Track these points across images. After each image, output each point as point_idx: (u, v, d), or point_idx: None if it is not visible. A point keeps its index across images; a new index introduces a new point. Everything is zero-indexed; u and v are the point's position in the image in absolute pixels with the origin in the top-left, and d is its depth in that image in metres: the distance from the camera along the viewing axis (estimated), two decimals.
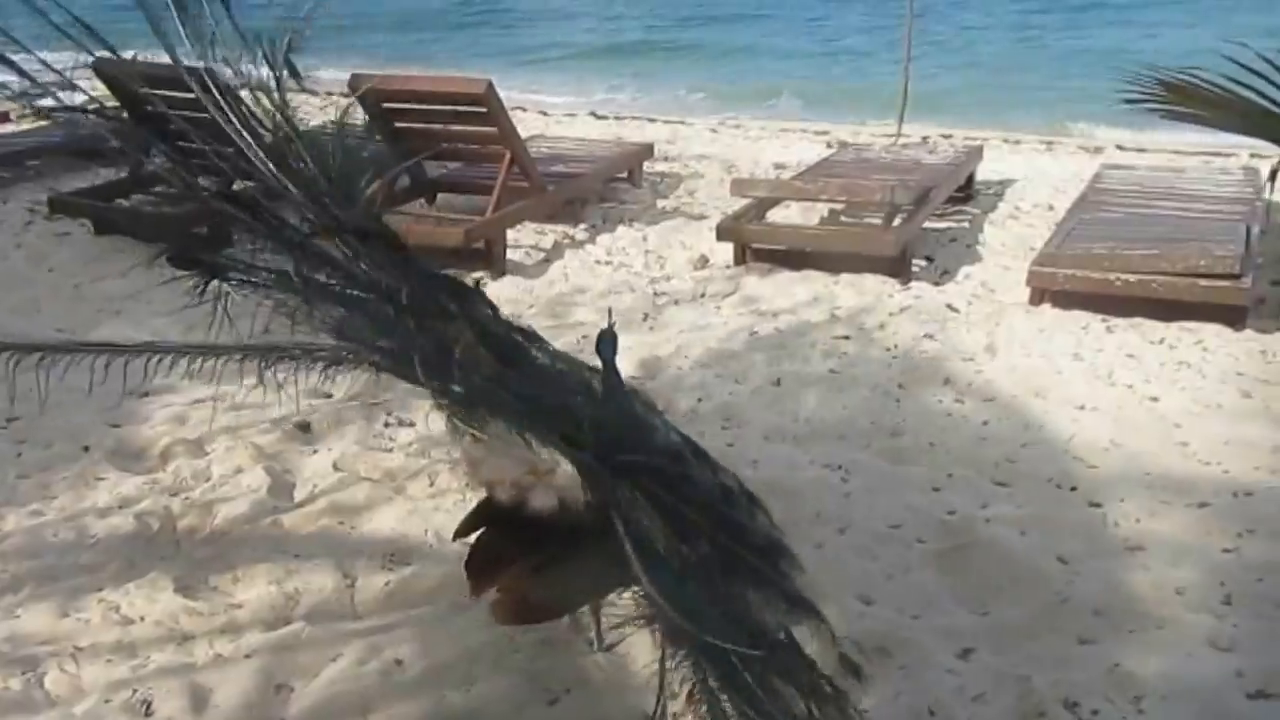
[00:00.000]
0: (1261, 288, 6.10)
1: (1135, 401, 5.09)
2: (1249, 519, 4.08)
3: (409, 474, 4.37)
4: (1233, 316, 5.76)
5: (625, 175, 8.59)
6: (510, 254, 7.08)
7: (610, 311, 3.65)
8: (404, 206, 7.50)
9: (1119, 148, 10.73)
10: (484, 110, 6.76)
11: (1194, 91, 3.07)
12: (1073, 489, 4.29)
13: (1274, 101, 3.02)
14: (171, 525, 3.99)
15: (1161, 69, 3.10)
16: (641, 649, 3.17)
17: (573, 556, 2.55)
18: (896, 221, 6.64)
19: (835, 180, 7.15)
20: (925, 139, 10.67)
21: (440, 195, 7.90)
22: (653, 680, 2.98)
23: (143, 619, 3.46)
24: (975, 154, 8.41)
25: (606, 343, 3.27)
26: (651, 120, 12.66)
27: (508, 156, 6.91)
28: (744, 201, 7.21)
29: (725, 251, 6.95)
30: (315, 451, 4.58)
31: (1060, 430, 4.77)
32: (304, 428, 4.78)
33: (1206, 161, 9.30)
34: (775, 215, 7.48)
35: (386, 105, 7.03)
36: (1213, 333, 5.74)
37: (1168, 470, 4.45)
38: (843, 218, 7.64)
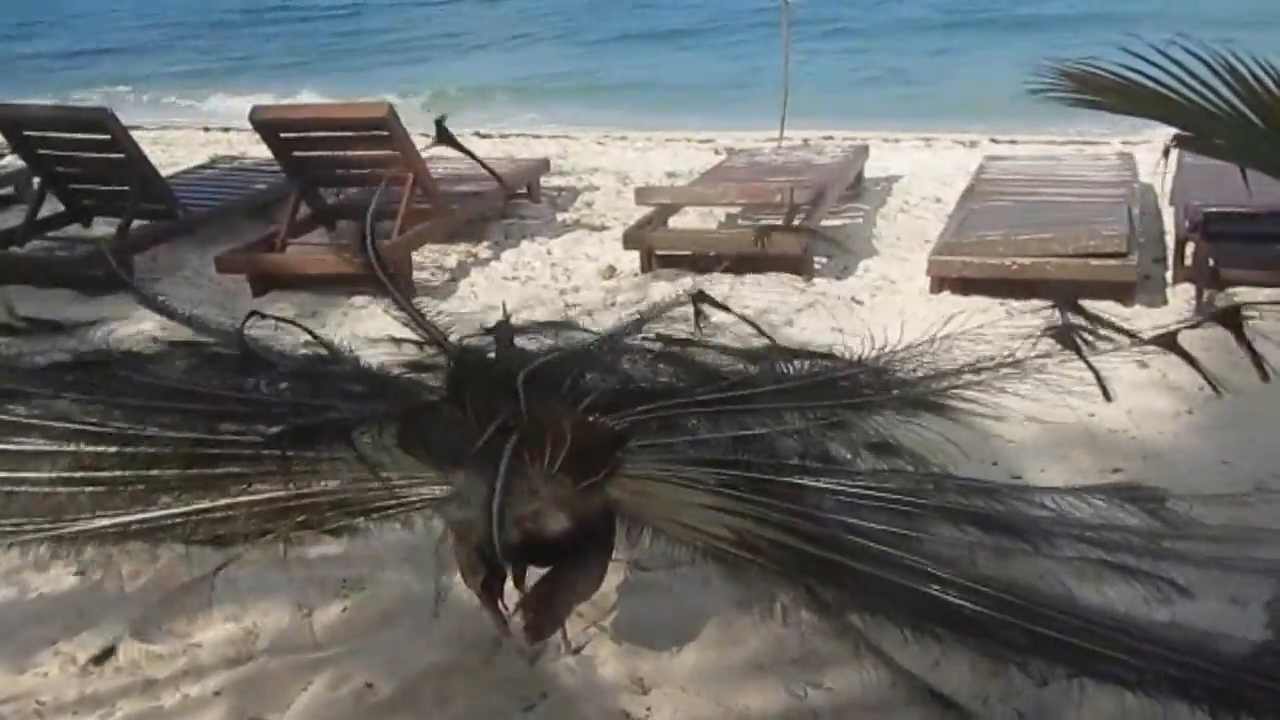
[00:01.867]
0: (1145, 265, 6.44)
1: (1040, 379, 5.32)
2: (1159, 482, 4.30)
3: None
4: (1122, 293, 6.07)
5: (524, 191, 8.63)
6: (416, 274, 7.07)
7: (503, 305, 3.75)
8: (305, 236, 7.44)
9: (993, 140, 11.17)
10: (385, 134, 6.75)
11: (1094, 80, 3.26)
12: (994, 464, 4.48)
13: (1165, 86, 3.24)
14: (116, 571, 3.92)
15: (1065, 61, 3.29)
16: (607, 649, 3.25)
17: (573, 563, 2.59)
18: (797, 221, 6.82)
19: (735, 184, 7.32)
20: (806, 141, 10.93)
21: (340, 222, 7.84)
22: (624, 680, 3.10)
23: (103, 668, 3.40)
24: (862, 152, 8.68)
25: (502, 333, 3.37)
26: (537, 136, 12.72)
27: (410, 178, 6.90)
28: (645, 210, 7.32)
29: (631, 260, 7.05)
30: None
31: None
32: None
33: (1079, 149, 9.74)
34: (675, 222, 7.61)
35: (285, 135, 6.97)
36: (1105, 309, 6.01)
37: (1078, 440, 4.69)
38: (740, 220, 7.81)
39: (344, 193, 7.87)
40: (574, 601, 2.85)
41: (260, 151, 11.01)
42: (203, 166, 9.77)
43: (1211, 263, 6.09)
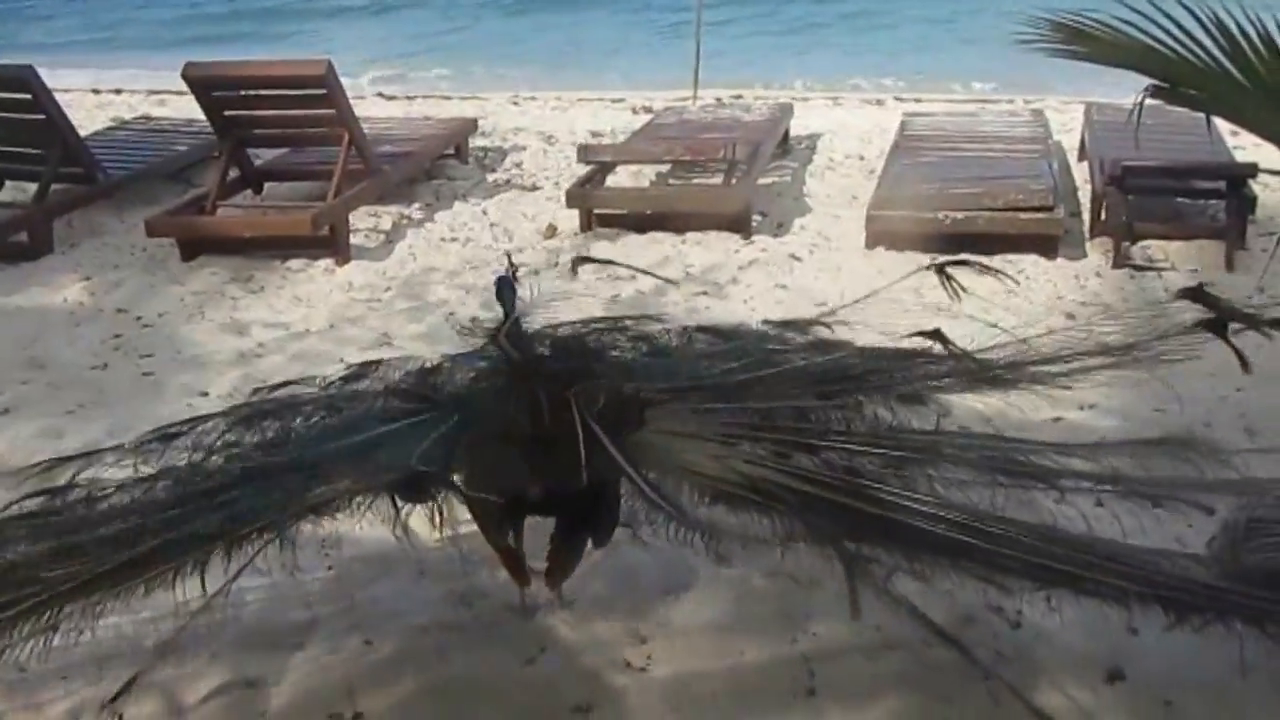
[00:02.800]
0: (1065, 219, 6.68)
1: (979, 329, 5.50)
2: (1097, 429, 4.54)
3: None
4: (1047, 246, 6.31)
5: (451, 152, 8.57)
6: (351, 238, 7.00)
7: (509, 256, 3.76)
8: (233, 198, 7.31)
9: (897, 99, 11.42)
10: (322, 92, 6.65)
11: (1084, 32, 3.39)
12: (947, 415, 4.65)
13: (1153, 38, 3.36)
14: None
15: (1054, 12, 3.41)
16: (599, 605, 3.32)
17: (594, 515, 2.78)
18: (735, 179, 6.92)
19: (677, 141, 7.38)
20: (720, 100, 11.05)
21: (268, 184, 7.73)
22: (622, 632, 3.19)
23: (82, 633, 3.37)
24: (787, 111, 8.80)
25: (507, 287, 3.37)
26: (447, 98, 12.58)
27: (346, 139, 6.82)
28: (578, 169, 7.35)
29: (571, 219, 7.08)
30: None
31: None
32: None
33: (982, 106, 10.03)
34: (610, 182, 7.64)
35: (217, 94, 6.82)
36: (1031, 262, 6.27)
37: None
38: (670, 180, 7.88)
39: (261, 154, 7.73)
40: (582, 552, 2.96)
41: (161, 112, 10.83)
42: (114, 128, 9.49)
43: (1125, 216, 6.35)
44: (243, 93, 6.97)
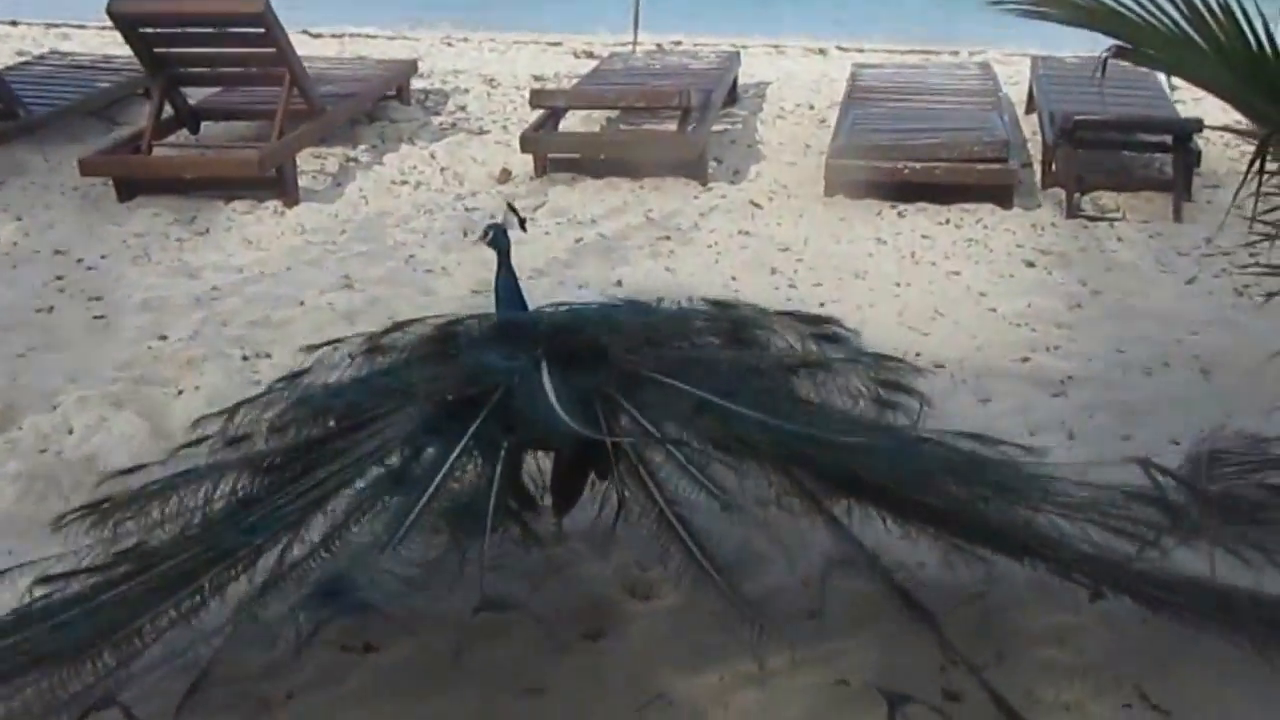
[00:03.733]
0: (1020, 171, 6.77)
1: (942, 276, 5.59)
2: (1064, 369, 4.63)
3: None
4: (1002, 196, 6.38)
5: (393, 93, 8.35)
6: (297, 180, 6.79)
7: (509, 205, 3.69)
8: (168, 138, 7.04)
9: (840, 49, 11.44)
10: (261, 30, 6.41)
11: None
12: (917, 355, 4.68)
13: (1119, 2, 3.42)
14: (57, 482, 3.73)
15: None
16: (604, 538, 3.28)
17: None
18: (691, 125, 6.86)
19: (631, 87, 7.29)
20: (660, 46, 10.96)
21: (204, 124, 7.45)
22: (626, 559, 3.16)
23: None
24: (735, 59, 8.74)
25: (502, 235, 3.37)
26: (373, 37, 12.24)
27: (287, 78, 6.59)
28: (523, 113, 7.23)
29: (523, 163, 6.96)
30: (180, 393, 4.35)
31: (889, 306, 5.20)
32: None
33: (927, 58, 10.09)
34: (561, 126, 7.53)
35: (146, 31, 6.53)
36: (987, 212, 6.34)
37: (988, 333, 4.96)
38: (620, 126, 7.79)
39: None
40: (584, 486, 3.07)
41: (67, 46, 10.38)
42: (30, 63, 9.05)
43: (1077, 169, 6.46)
44: (175, 30, 6.66)
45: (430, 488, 2.57)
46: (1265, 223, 3.48)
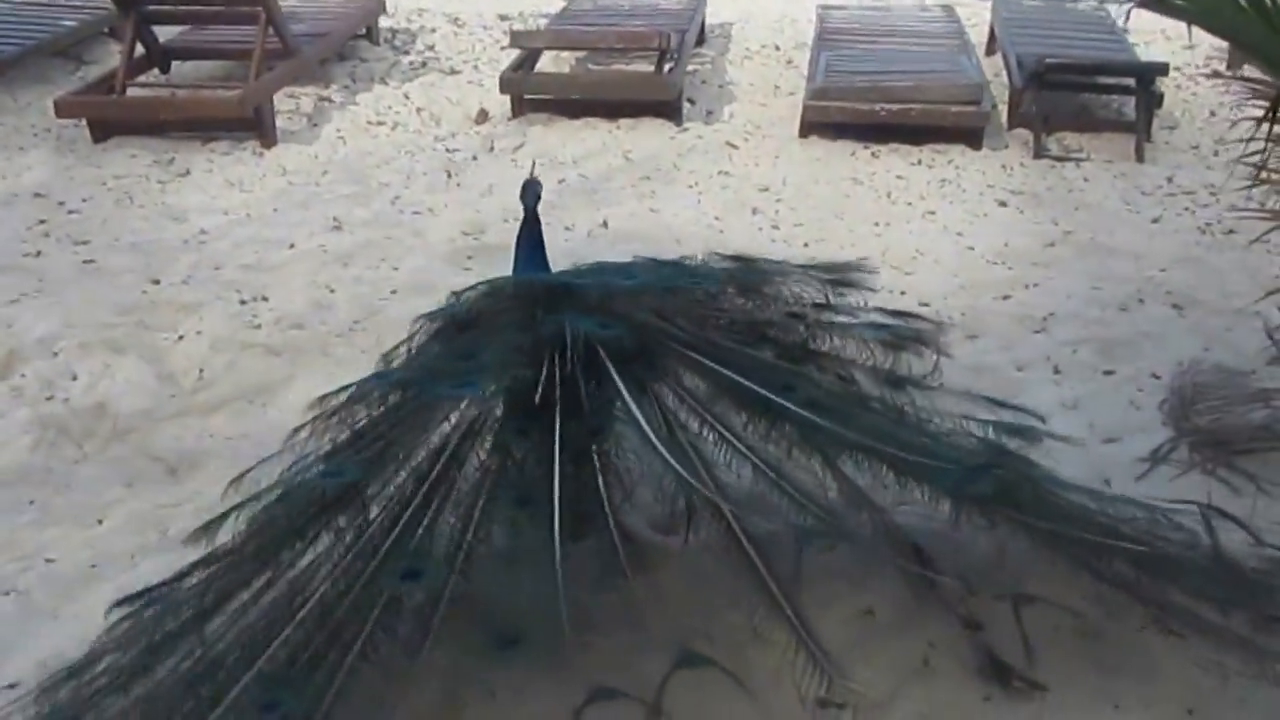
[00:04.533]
0: (990, 113, 6.90)
1: (919, 216, 5.72)
2: (1044, 306, 4.80)
3: (295, 347, 4.29)
4: (972, 138, 6.51)
5: (363, 33, 8.26)
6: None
7: (533, 163, 3.74)
8: (139, 78, 6.95)
9: None
10: None
11: None
12: (903, 293, 4.81)
13: None
14: (68, 428, 3.76)
15: None
16: None
17: None
18: (668, 66, 6.90)
19: (611, 28, 7.29)
20: None
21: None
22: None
23: (101, 522, 3.32)
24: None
25: (531, 190, 3.38)
26: None
27: (263, 16, 6.53)
28: (492, 52, 7.21)
29: (501, 105, 6.97)
30: (180, 338, 4.37)
31: (871, 246, 5.30)
32: None
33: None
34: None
35: None
36: (958, 152, 6.47)
37: (969, 272, 5.11)
38: (590, 66, 7.80)
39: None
40: None
41: None
42: None
43: (1044, 111, 6.60)
44: None
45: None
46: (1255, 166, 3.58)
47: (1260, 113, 3.57)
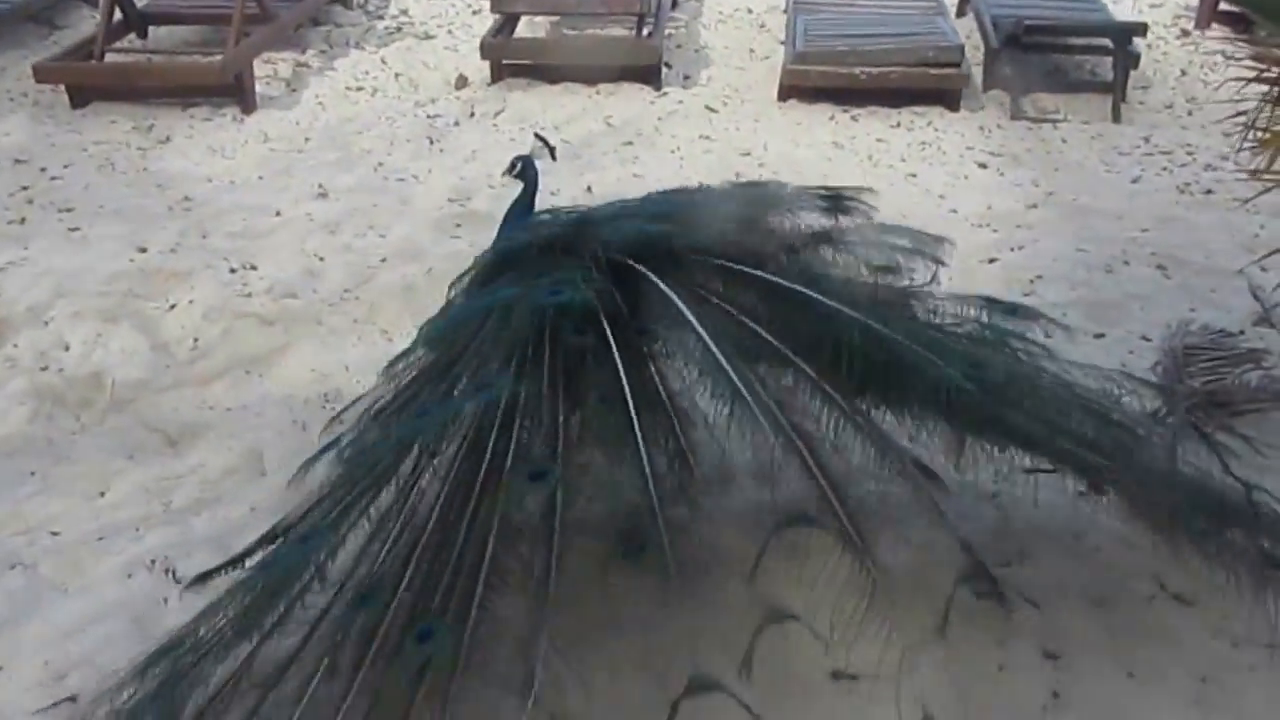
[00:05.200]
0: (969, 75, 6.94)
1: (902, 179, 5.77)
2: (1031, 269, 4.84)
3: (288, 316, 4.29)
4: (950, 100, 6.56)
5: None
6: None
7: (537, 135, 3.72)
8: (118, 43, 6.87)
9: None
10: None
11: None
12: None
13: None
14: (64, 399, 3.77)
15: None
16: None
17: None
18: (647, 30, 6.89)
19: None
20: None
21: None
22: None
23: (103, 494, 3.33)
24: None
25: (530, 167, 3.40)
26: None
27: None
28: (465, 17, 7.14)
29: (479, 70, 6.94)
30: (173, 307, 4.36)
31: None
32: None
33: None
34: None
35: None
36: (936, 115, 6.52)
37: (954, 235, 5.06)
38: (565, 30, 7.75)
39: None
40: None
41: None
42: None
43: (1022, 72, 6.66)
44: None
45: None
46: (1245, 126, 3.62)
47: (1247, 73, 3.63)
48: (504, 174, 3.58)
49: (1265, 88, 3.64)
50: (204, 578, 2.59)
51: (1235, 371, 3.73)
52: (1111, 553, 2.97)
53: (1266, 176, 3.73)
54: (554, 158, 3.64)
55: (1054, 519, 3.06)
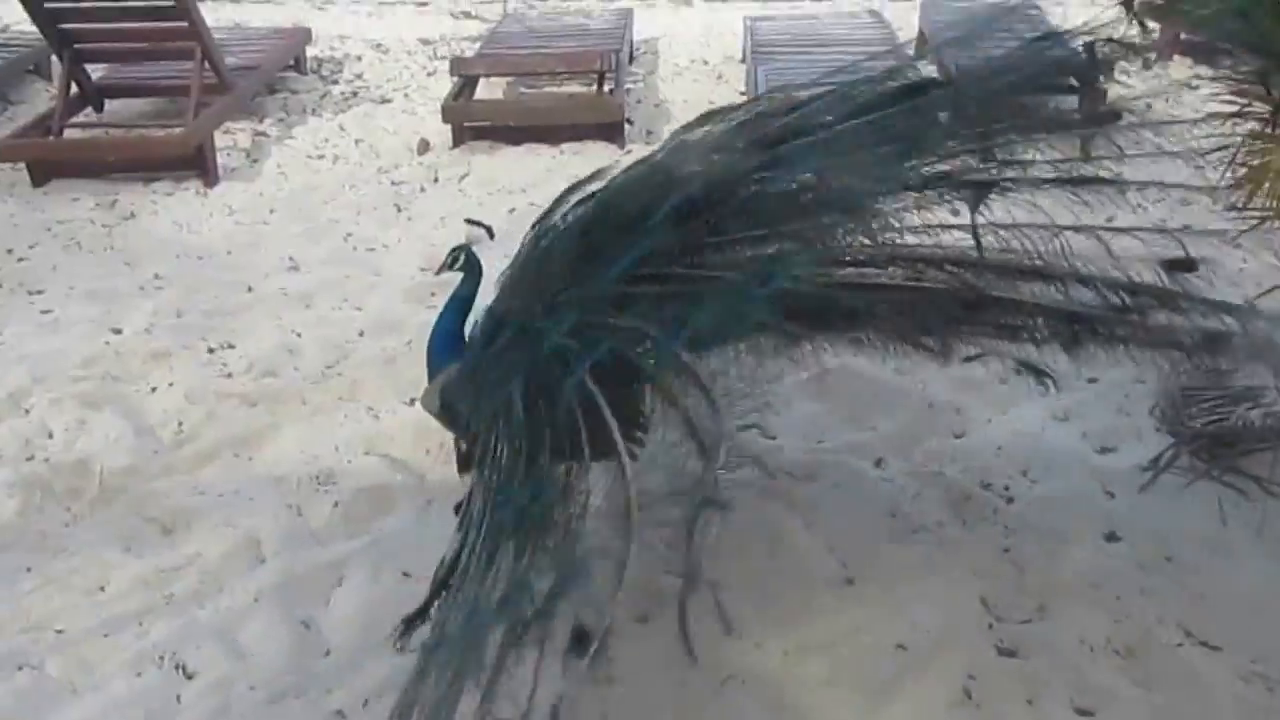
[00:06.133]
0: None
1: None
2: None
3: (271, 396, 4.27)
4: None
5: (291, 63, 8.19)
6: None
7: (468, 220, 3.64)
8: (74, 118, 6.83)
9: None
10: (172, 4, 6.25)
11: None
12: None
13: None
14: (52, 489, 3.72)
15: None
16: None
17: None
18: (609, 87, 6.97)
19: (551, 50, 7.33)
20: (534, 4, 11.05)
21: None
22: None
23: (103, 588, 3.28)
24: (629, 16, 8.80)
25: (472, 256, 3.33)
26: (236, 1, 11.87)
27: (199, 52, 6.46)
28: (420, 79, 7.17)
29: (440, 134, 6.97)
30: (154, 390, 4.33)
31: None
32: None
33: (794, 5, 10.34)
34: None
35: (52, 5, 6.30)
36: None
37: None
38: (522, 90, 7.82)
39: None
40: None
41: None
42: None
43: None
44: (84, 3, 6.44)
45: None
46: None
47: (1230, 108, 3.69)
48: (440, 270, 3.37)
49: (1245, 123, 3.72)
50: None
51: (1237, 411, 3.78)
52: (1131, 601, 3.00)
53: (1249, 212, 3.82)
54: (492, 236, 3.44)
55: (1069, 569, 3.11)
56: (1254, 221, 3.77)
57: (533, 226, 3.14)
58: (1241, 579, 3.06)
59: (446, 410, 3.11)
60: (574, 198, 3.09)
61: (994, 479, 3.66)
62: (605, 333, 2.67)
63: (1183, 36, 7.92)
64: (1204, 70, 4.34)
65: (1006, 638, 2.86)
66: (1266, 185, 3.75)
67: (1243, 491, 3.19)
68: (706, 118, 3.19)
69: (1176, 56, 7.90)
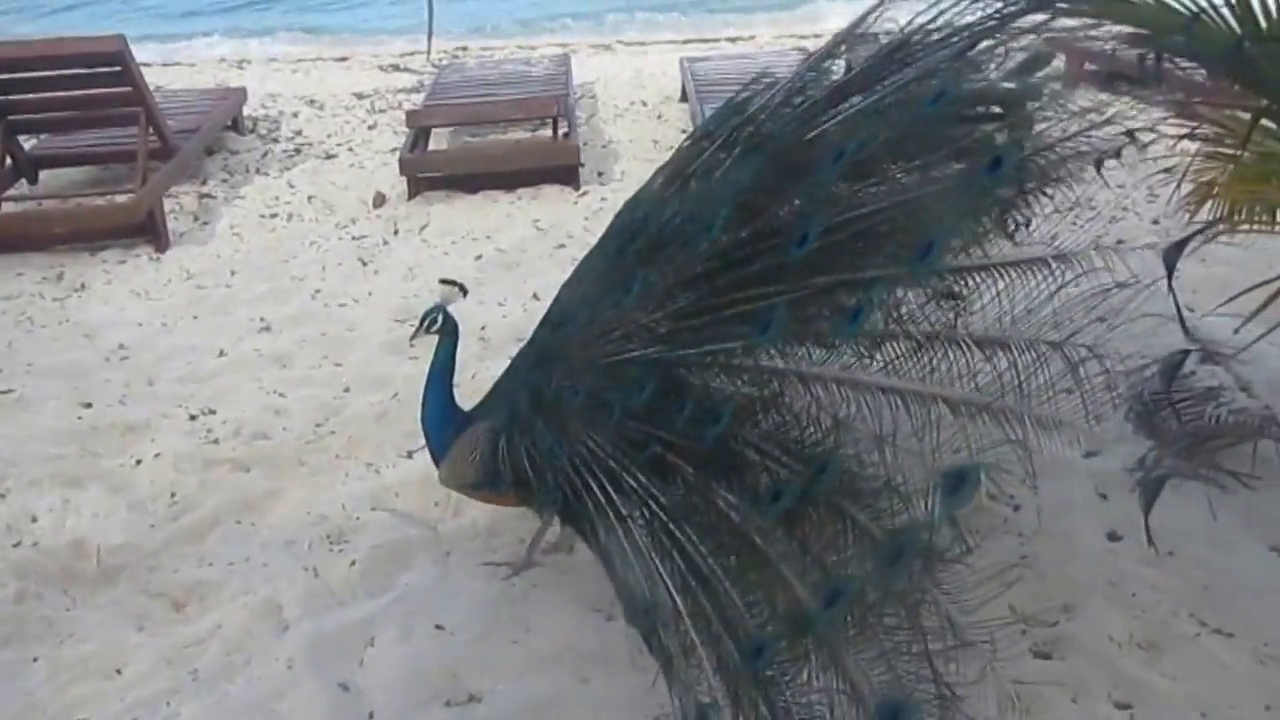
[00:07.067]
0: None
1: None
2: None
3: (265, 459, 4.13)
4: None
5: (229, 124, 8.03)
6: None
7: (443, 280, 3.55)
8: (8, 192, 6.60)
9: (621, 43, 11.87)
10: (118, 69, 6.09)
11: None
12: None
13: None
14: (47, 574, 3.52)
15: None
16: None
17: None
18: (563, 131, 6.94)
19: (505, 101, 7.28)
20: (459, 52, 11.10)
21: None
22: None
23: (121, 671, 3.11)
24: (566, 61, 8.81)
25: (448, 317, 3.28)
26: (147, 65, 11.66)
27: (144, 117, 6.29)
28: (364, 133, 7.11)
29: (394, 186, 6.87)
30: (138, 462, 4.15)
31: None
32: None
33: (715, 48, 10.49)
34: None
35: None
36: None
37: None
38: (466, 139, 7.76)
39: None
40: None
41: None
42: None
43: None
44: (24, 74, 6.24)
45: None
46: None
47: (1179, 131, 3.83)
48: (416, 335, 3.34)
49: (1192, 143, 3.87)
50: None
51: (1206, 410, 3.89)
52: (1146, 597, 3.08)
53: (1195, 225, 3.95)
54: (465, 294, 3.38)
55: (1084, 570, 3.17)
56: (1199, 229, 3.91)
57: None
58: (1240, 567, 3.19)
59: (488, 479, 3.13)
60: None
61: (998, 488, 3.65)
62: None
63: (1086, 67, 8.18)
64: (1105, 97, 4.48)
65: (1040, 641, 2.90)
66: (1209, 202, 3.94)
67: (1224, 487, 3.29)
68: None
69: (1083, 85, 8.09)
